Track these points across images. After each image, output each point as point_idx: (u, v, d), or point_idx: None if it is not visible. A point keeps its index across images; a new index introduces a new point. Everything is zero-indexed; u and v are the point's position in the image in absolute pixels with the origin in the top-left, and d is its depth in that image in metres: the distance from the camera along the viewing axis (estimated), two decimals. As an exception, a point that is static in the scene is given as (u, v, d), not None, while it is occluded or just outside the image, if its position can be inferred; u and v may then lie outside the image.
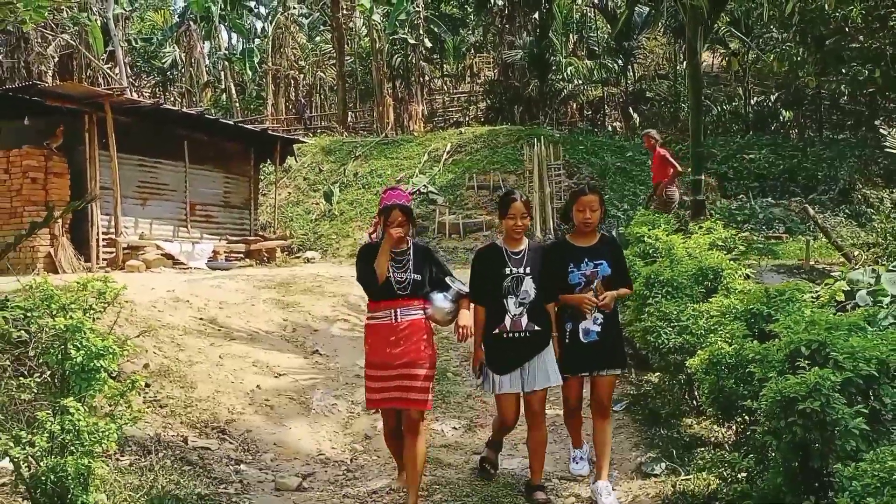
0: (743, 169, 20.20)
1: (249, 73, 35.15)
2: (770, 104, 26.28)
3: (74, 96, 13.82)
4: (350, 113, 33.02)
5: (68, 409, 4.12)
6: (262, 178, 20.45)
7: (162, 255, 14.90)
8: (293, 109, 34.99)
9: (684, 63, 27.79)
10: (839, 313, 4.84)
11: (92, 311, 4.44)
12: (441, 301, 5.15)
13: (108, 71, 28.27)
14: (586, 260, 5.27)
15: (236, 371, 7.94)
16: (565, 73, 27.82)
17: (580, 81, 28.40)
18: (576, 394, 5.49)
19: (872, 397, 4.08)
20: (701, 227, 7.56)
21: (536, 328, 5.17)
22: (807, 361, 4.09)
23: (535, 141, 18.38)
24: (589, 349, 5.24)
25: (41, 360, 4.30)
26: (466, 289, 5.23)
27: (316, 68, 37.04)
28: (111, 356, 4.37)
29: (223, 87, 36.40)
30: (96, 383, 4.38)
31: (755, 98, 27.67)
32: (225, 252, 16.46)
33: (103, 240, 14.19)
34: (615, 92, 30.52)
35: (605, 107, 31.07)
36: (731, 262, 6.76)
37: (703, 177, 11.16)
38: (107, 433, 4.29)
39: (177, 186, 16.26)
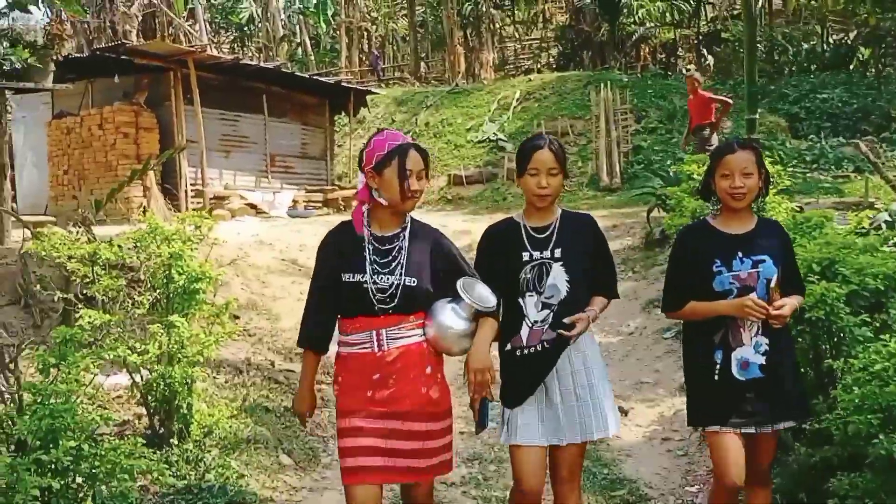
0: (815, 109, 20.03)
1: (324, 26, 35.82)
2: (849, 42, 25.74)
3: (160, 54, 14.65)
4: (422, 63, 33.49)
5: (174, 323, 4.86)
6: (338, 129, 21.18)
7: (245, 204, 15.78)
8: (366, 61, 35.60)
9: (759, 3, 27.46)
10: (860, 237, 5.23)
11: (190, 242, 5.17)
12: (449, 316, 3.26)
13: (189, 28, 29.24)
14: (740, 255, 3.46)
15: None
16: (637, 16, 27.73)
17: (652, 24, 28.25)
18: (733, 458, 3.45)
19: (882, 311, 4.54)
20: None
21: (561, 333, 3.38)
22: (817, 277, 4.55)
23: (601, 86, 18.61)
24: (749, 391, 3.42)
25: (150, 283, 5.05)
26: (493, 300, 3.31)
27: (388, 19, 37.50)
28: (207, 280, 5.11)
29: (299, 40, 37.19)
30: (196, 303, 5.12)
31: (833, 36, 27.11)
32: (304, 201, 17.28)
33: (191, 190, 15.11)
34: (689, 34, 30.21)
35: (679, 49, 30.80)
36: (775, 196, 7.12)
37: (756, 116, 11.39)
38: (206, 345, 5.05)
39: (257, 139, 17.09)
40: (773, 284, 3.42)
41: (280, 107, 17.58)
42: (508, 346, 3.47)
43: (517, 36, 37.11)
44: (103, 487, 3.62)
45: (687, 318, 3.67)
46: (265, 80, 17.11)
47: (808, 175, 15.18)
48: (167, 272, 4.98)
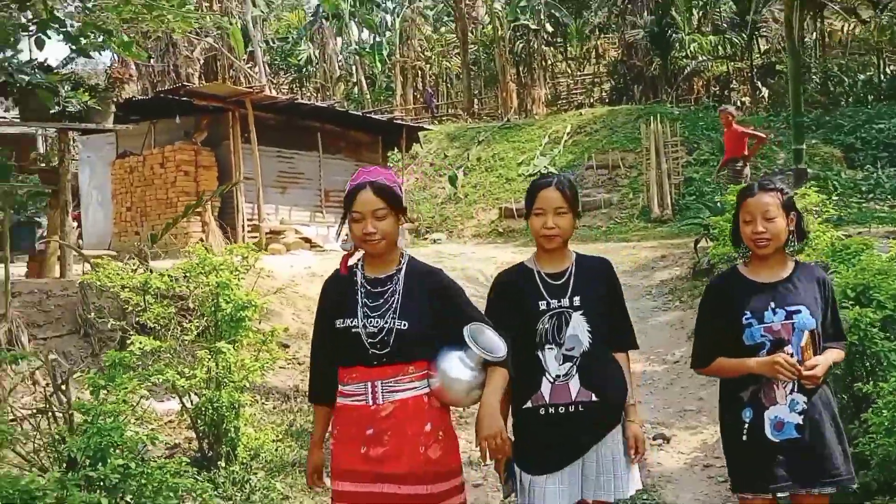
0: (871, 139, 19.74)
1: (379, 65, 36.54)
2: (906, 72, 25.39)
3: (219, 95, 15.15)
4: (475, 100, 33.87)
5: (221, 349, 5.07)
6: (391, 165, 21.53)
7: (300, 238, 16.10)
8: (421, 99, 36.12)
9: (812, 35, 27.23)
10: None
11: (237, 272, 5.39)
12: (455, 365, 2.98)
13: (249, 70, 30.06)
14: (772, 305, 3.19)
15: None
16: (689, 50, 27.69)
17: (704, 57, 28.19)
18: None
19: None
20: (795, 193, 7.86)
21: (594, 398, 3.11)
22: (851, 302, 4.56)
23: (652, 119, 18.66)
24: (784, 452, 3.14)
25: (199, 311, 5.27)
26: (503, 348, 2.99)
27: (441, 58, 38.05)
28: (253, 308, 5.31)
29: (355, 80, 37.93)
30: (242, 330, 5.33)
31: (891, 67, 26.74)
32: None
33: (248, 225, 15.49)
34: (742, 66, 30.06)
35: (733, 82, 30.65)
36: (820, 226, 7.11)
37: (803, 146, 11.36)
38: (252, 370, 5.23)
39: (312, 175, 17.47)
40: (803, 343, 3.12)
41: (334, 144, 17.97)
42: (529, 404, 3.14)
43: (570, 71, 37.31)
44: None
45: (716, 375, 3.43)
46: (320, 119, 17.52)
47: (863, 205, 14.96)
48: (215, 300, 5.20)
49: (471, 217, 19.81)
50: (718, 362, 3.30)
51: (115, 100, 9.03)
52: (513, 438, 3.12)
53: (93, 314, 6.55)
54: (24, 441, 3.80)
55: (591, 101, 32.07)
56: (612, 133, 21.44)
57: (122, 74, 8.86)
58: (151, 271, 5.53)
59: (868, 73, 26.71)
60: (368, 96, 35.94)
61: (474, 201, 20.52)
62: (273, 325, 5.88)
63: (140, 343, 4.71)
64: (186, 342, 5.17)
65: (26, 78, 6.88)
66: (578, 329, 3.14)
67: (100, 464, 3.64)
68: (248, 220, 15.53)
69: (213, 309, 5.22)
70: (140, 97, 16.79)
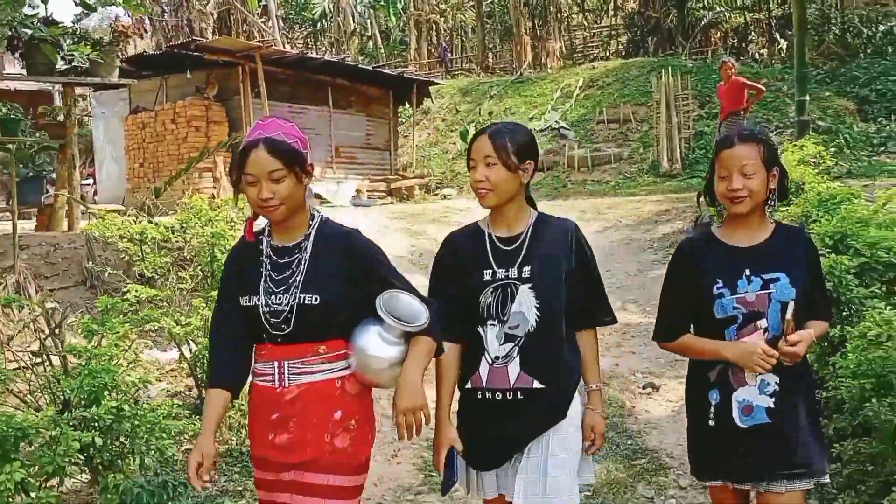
0: (887, 92, 19.47)
1: (393, 19, 36.27)
2: (929, 23, 24.90)
3: (229, 49, 15.21)
4: (489, 54, 33.64)
5: (214, 298, 5.22)
6: (402, 120, 21.55)
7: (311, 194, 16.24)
8: (435, 53, 35.91)
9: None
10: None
11: (232, 223, 5.53)
12: (373, 340, 2.64)
13: (262, 24, 29.98)
14: (747, 273, 2.79)
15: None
16: (706, 1, 27.36)
17: (721, 8, 27.84)
18: None
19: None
20: (794, 145, 7.92)
21: (537, 385, 2.75)
22: (828, 250, 4.64)
23: (663, 72, 18.53)
24: (752, 440, 2.77)
25: (195, 262, 5.42)
26: (424, 315, 2.63)
27: (456, 11, 37.72)
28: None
29: (369, 34, 37.72)
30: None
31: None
32: (367, 191, 17.68)
33: (258, 181, 15.63)
34: (760, 18, 29.64)
35: (752, 33, 30.24)
36: (816, 176, 7.14)
37: (806, 98, 11.28)
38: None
39: (322, 130, 17.55)
40: (788, 316, 2.70)
41: (345, 99, 18.02)
42: (469, 385, 2.83)
43: (586, 24, 36.90)
44: (143, 445, 3.96)
45: (681, 354, 3.00)
46: (330, 73, 17.54)
47: (873, 158, 14.87)
48: (211, 251, 5.34)
49: (482, 172, 19.83)
50: (684, 341, 2.90)
51: (120, 54, 9.11)
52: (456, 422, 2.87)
53: (98, 266, 6.72)
54: (20, 382, 3.98)
55: (608, 54, 31.77)
56: (625, 87, 21.30)
57: (128, 28, 8.91)
58: (151, 223, 5.68)
59: (889, 24, 26.25)
60: (382, 51, 35.76)
61: (485, 156, 20.53)
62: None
63: (136, 291, 4.86)
64: (184, 291, 5.33)
65: (29, 32, 6.99)
66: (524, 305, 2.74)
67: (93, 406, 3.80)
68: (259, 175, 15.64)
69: (209, 259, 5.37)
70: (152, 52, 16.86)
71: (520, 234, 2.83)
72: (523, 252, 2.80)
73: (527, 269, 2.78)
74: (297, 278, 2.60)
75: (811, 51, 24.08)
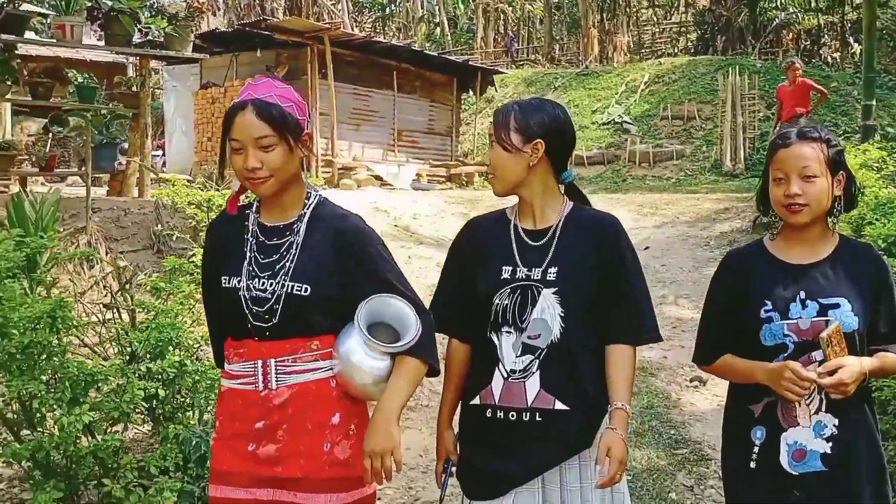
0: (963, 97, 19.05)
1: (462, 7, 36.38)
2: None
3: (298, 30, 15.47)
4: (555, 45, 33.53)
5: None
6: (465, 107, 21.66)
7: (371, 175, 16.46)
8: (502, 42, 35.90)
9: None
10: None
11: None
12: (356, 349, 2.27)
13: (332, 7, 30.30)
14: (801, 296, 2.37)
15: (421, 269, 9.18)
16: (779, 1, 26.88)
17: (795, 9, 27.33)
18: None
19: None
20: (857, 148, 7.84)
21: (559, 406, 2.36)
22: (882, 253, 4.63)
23: (730, 70, 18.32)
24: (804, 489, 2.35)
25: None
26: (414, 331, 2.26)
27: (524, 1, 37.63)
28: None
29: (437, 21, 37.85)
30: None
31: None
32: (427, 175, 17.85)
33: (321, 160, 15.91)
34: (833, 21, 29.02)
35: (825, 36, 29.64)
36: (878, 181, 7.08)
37: (873, 102, 11.12)
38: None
39: (386, 114, 17.75)
40: (825, 333, 2.25)
41: (409, 84, 18.19)
42: (476, 400, 2.43)
43: (655, 19, 36.51)
44: (202, 399, 4.14)
45: (724, 377, 2.61)
46: (396, 58, 17.72)
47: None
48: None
49: (541, 162, 19.86)
50: (726, 361, 2.48)
51: (194, 29, 9.39)
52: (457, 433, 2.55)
53: (165, 230, 6.99)
54: (91, 335, 4.20)
55: (676, 50, 31.42)
56: (691, 84, 21.10)
57: (203, 5, 9.18)
58: (218, 191, 5.89)
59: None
60: (449, 38, 35.86)
61: (546, 147, 20.55)
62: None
63: (200, 255, 5.05)
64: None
65: (109, 3, 7.25)
66: (547, 312, 2.36)
67: (158, 359, 3.99)
68: (322, 154, 15.93)
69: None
70: (223, 29, 17.23)
71: (549, 228, 2.45)
72: (552, 250, 2.41)
73: (553, 271, 2.38)
74: (287, 264, 2.26)
75: (885, 57, 23.54)
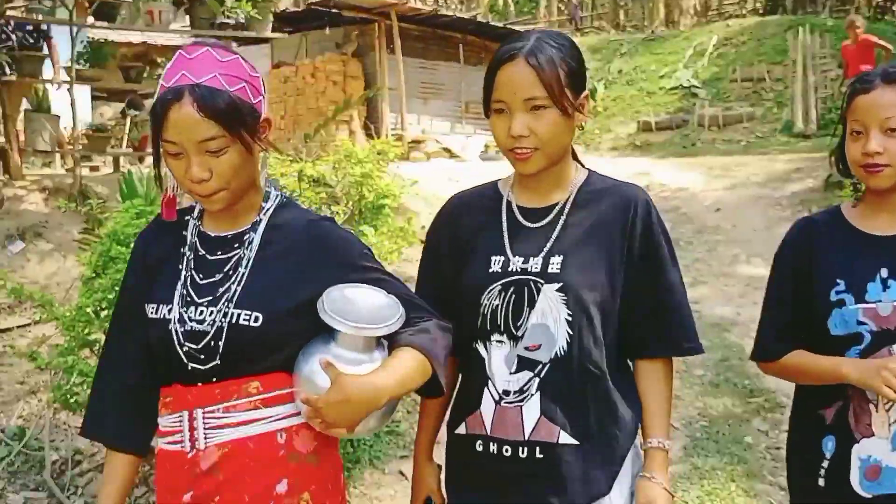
0: None
1: (524, -24, 36.25)
2: None
3: (365, 6, 15.79)
4: (621, 11, 33.23)
5: (363, 232, 5.74)
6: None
7: (441, 148, 16.76)
8: (566, 11, 35.70)
9: None
10: None
11: (379, 165, 6.02)
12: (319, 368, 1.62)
13: (395, -17, 30.51)
14: (883, 274, 1.96)
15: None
16: (851, -43, 26.18)
17: (870, -37, 26.56)
18: None
19: None
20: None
21: (566, 439, 1.82)
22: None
23: (800, 30, 18.04)
24: None
25: (345, 200, 5.96)
26: (397, 312, 1.73)
27: (588, -33, 37.31)
28: (392, 196, 5.96)
29: (499, -9, 37.80)
30: (382, 217, 5.99)
31: None
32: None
33: (391, 134, 16.23)
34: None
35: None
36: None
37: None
38: (390, 251, 5.90)
39: (453, 86, 18.00)
40: None
41: (475, 55, 18.37)
42: (462, 429, 1.91)
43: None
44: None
45: (790, 379, 2.16)
46: (462, 30, 17.93)
47: None
48: (359, 189, 5.86)
49: (608, 130, 19.88)
50: (796, 358, 2.04)
51: (273, 10, 9.76)
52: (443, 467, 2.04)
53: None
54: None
55: (744, 11, 30.86)
56: (760, 45, 20.82)
57: (279, -14, 9.55)
58: (308, 162, 6.25)
59: None
60: (512, 8, 35.82)
61: (613, 115, 20.53)
62: (409, 217, 6.53)
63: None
64: (334, 225, 5.89)
65: (195, -13, 7.63)
66: (550, 315, 1.81)
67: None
68: (392, 128, 16.27)
69: (357, 197, 5.89)
70: (293, 9, 17.64)
71: (554, 206, 1.89)
72: (556, 233, 1.86)
73: (557, 260, 1.82)
74: (233, 286, 1.72)
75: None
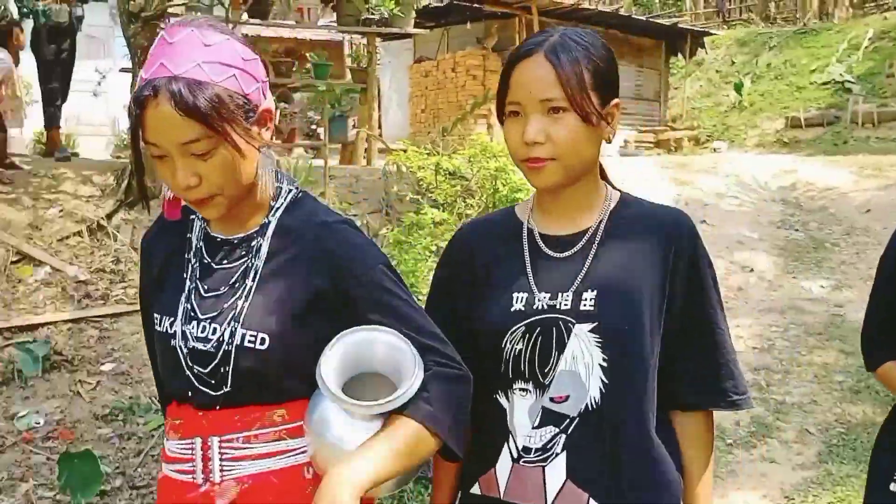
0: None
1: (670, -32, 35.43)
2: None
3: (506, 1, 15.91)
4: (771, 3, 32.01)
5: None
6: (674, 72, 21.32)
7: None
8: (712, 3, 34.71)
9: None
10: None
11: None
12: (340, 418, 1.43)
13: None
14: None
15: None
16: None
17: None
18: None
19: None
20: None
21: None
22: None
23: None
24: None
25: (480, 193, 6.11)
26: (412, 377, 1.43)
27: (738, -42, 36.13)
28: (526, 191, 6.05)
29: (644, -16, 37.15)
30: (516, 210, 6.11)
31: None
32: (634, 141, 17.83)
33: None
34: None
35: None
36: None
37: None
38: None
39: (594, 80, 17.86)
40: None
41: (617, 49, 17.47)
42: (477, 488, 1.68)
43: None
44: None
45: (890, 388, 2.10)
46: (603, 24, 17.76)
47: None
48: (493, 183, 5.99)
49: (755, 126, 19.25)
50: (890, 368, 2.03)
51: (415, 6, 10.04)
52: None
53: (394, 195, 7.65)
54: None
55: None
56: (921, 39, 19.69)
57: (420, -17, 9.86)
58: (444, 156, 6.44)
59: None
60: (657, 1, 35.13)
61: (760, 110, 19.86)
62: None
63: (431, 214, 5.61)
64: (469, 217, 6.03)
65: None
66: (581, 361, 1.56)
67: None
68: (530, 122, 16.31)
69: (491, 190, 6.02)
70: (435, 4, 17.96)
71: (584, 232, 1.64)
72: (587, 264, 1.61)
73: (590, 295, 1.57)
74: (238, 301, 1.53)
75: None
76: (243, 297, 1.53)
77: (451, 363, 1.51)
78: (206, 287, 1.57)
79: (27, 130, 10.87)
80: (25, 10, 8.61)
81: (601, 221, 1.64)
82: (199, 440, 1.54)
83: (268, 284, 1.53)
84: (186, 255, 1.62)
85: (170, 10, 8.26)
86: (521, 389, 1.59)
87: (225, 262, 1.58)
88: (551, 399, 1.56)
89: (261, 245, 1.56)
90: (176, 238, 1.65)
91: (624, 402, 1.56)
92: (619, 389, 1.55)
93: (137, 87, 1.44)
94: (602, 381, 1.55)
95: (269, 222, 1.58)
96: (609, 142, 1.62)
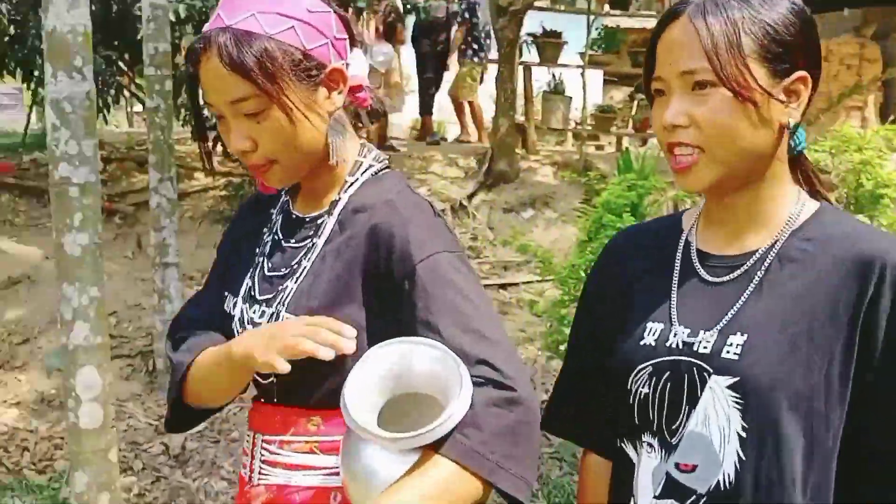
0: None
1: None
2: None
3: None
4: None
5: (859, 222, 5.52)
6: None
7: None
8: None
9: None
10: None
11: (881, 153, 5.71)
12: (371, 452, 1.21)
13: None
14: None
15: None
16: None
17: None
18: None
19: None
20: None
21: None
22: None
23: None
24: None
25: (841, 185, 5.77)
26: (455, 406, 1.16)
27: None
28: (894, 187, 5.60)
29: None
30: (882, 206, 5.67)
31: None
32: None
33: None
34: None
35: None
36: None
37: None
38: None
39: None
40: None
41: None
42: None
43: None
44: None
45: None
46: None
47: None
48: (857, 177, 5.62)
49: None
50: None
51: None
52: None
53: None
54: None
55: None
56: None
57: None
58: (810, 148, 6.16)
59: None
60: None
61: None
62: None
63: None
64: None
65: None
66: (715, 422, 1.19)
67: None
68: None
69: (854, 185, 5.65)
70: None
71: (751, 254, 1.25)
72: (744, 297, 1.22)
73: (738, 340, 1.19)
74: (290, 283, 1.40)
75: None
76: (294, 279, 1.39)
77: (505, 380, 1.23)
78: (270, 265, 1.44)
79: (406, 117, 11.95)
80: (409, 6, 9.54)
81: (777, 241, 1.23)
82: (251, 435, 1.46)
83: (323, 266, 1.38)
84: (262, 232, 1.50)
85: (536, 3, 8.72)
86: (648, 444, 1.26)
87: (293, 240, 1.45)
88: (676, 465, 1.22)
89: (326, 224, 1.41)
90: (261, 216, 1.54)
91: (768, 489, 1.15)
92: (760, 470, 1.16)
93: (191, 42, 1.32)
94: (739, 454, 1.17)
95: (340, 199, 1.42)
96: (789, 128, 1.20)
